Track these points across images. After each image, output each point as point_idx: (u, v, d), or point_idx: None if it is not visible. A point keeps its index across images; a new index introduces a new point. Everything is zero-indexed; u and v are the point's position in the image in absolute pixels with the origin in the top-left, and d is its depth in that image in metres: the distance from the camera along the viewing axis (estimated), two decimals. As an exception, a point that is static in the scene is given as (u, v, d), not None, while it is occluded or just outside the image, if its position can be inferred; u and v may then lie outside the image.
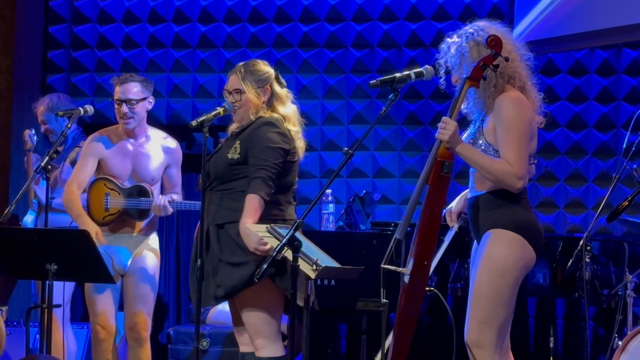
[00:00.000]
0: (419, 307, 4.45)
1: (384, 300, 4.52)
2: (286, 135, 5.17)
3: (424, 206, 4.41)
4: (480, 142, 4.51)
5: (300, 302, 4.86)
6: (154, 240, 6.08)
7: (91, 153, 5.96)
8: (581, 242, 6.03)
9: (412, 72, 4.70)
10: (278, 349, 5.15)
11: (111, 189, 5.93)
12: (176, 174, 6.07)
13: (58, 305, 5.53)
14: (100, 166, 5.98)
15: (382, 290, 4.54)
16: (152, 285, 6.01)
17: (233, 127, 5.37)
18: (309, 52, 8.54)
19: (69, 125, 5.85)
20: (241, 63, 5.37)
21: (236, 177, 5.16)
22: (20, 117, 8.44)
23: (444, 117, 4.42)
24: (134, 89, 5.93)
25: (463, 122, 4.63)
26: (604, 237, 7.46)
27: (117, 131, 6.03)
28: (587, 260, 6.14)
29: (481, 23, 4.63)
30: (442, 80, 4.75)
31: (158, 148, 6.03)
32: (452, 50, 4.63)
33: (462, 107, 4.61)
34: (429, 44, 8.39)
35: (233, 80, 5.29)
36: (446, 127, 4.39)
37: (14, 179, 8.53)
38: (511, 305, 4.52)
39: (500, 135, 4.44)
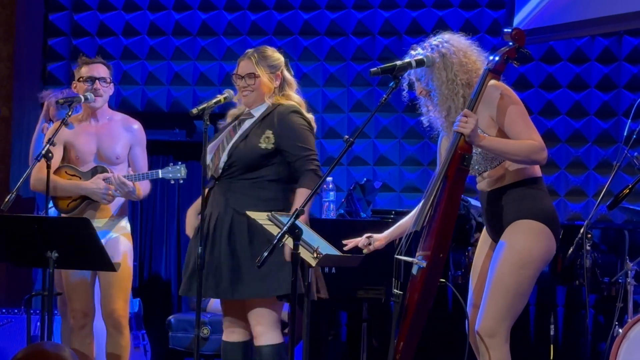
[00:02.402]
0: (433, 298, 4.45)
1: (398, 291, 4.51)
2: (311, 122, 5.29)
3: (441, 199, 4.40)
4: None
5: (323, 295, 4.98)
6: (124, 224, 6.06)
7: (57, 139, 5.96)
8: (582, 230, 6.03)
9: (413, 60, 4.70)
10: (277, 337, 5.19)
11: (72, 175, 5.94)
12: (141, 155, 6.05)
13: (59, 293, 5.53)
14: (66, 151, 5.99)
15: (394, 281, 4.53)
16: (128, 270, 6.00)
17: (235, 112, 5.38)
18: (310, 39, 8.54)
19: (70, 113, 5.86)
20: (252, 49, 5.39)
21: (265, 165, 5.19)
22: (21, 105, 8.44)
23: (465, 110, 4.41)
24: (104, 69, 6.04)
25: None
26: (604, 224, 7.46)
27: (78, 117, 6.08)
28: (588, 248, 6.14)
29: (446, 35, 4.72)
30: (405, 92, 4.78)
31: (120, 127, 6.06)
32: (419, 57, 4.68)
33: (432, 114, 4.67)
34: (430, 32, 8.35)
35: (246, 65, 5.30)
36: (468, 121, 4.38)
37: (14, 166, 8.53)
38: (528, 297, 4.57)
39: (507, 121, 4.47)
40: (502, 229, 4.55)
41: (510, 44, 4.54)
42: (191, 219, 5.35)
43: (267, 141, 5.18)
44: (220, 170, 5.21)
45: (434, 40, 4.69)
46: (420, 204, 4.56)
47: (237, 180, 5.20)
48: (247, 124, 5.29)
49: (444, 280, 4.52)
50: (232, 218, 5.16)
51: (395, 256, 4.53)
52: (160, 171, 5.96)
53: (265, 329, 5.17)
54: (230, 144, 5.23)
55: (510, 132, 4.47)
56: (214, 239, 5.18)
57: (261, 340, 5.17)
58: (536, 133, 4.47)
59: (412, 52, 4.71)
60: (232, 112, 5.41)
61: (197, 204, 5.31)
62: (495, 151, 4.48)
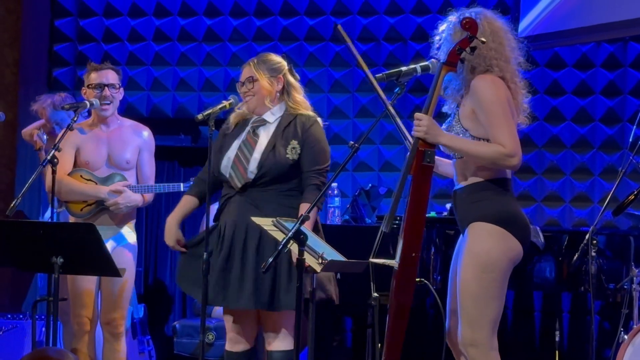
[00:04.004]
0: (411, 298, 4.37)
1: (375, 294, 4.49)
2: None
3: (408, 198, 4.36)
4: (457, 128, 4.45)
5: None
6: (131, 233, 6.07)
7: (68, 144, 5.96)
8: (587, 236, 6.01)
9: (418, 66, 4.68)
10: (289, 343, 5.20)
11: (88, 180, 5.95)
12: (148, 162, 6.07)
13: (65, 299, 5.53)
14: (76, 156, 6.00)
15: (372, 284, 4.51)
16: (130, 280, 6.01)
17: (238, 118, 5.37)
18: (315, 45, 8.54)
19: (75, 118, 5.86)
20: (254, 57, 5.43)
21: (295, 177, 5.22)
22: (27, 110, 8.42)
23: (416, 114, 4.35)
24: (113, 75, 6.03)
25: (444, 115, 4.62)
26: (609, 231, 7.45)
27: (89, 122, 6.08)
28: (593, 254, 6.13)
29: (489, 13, 4.54)
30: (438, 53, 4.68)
31: (130, 133, 6.07)
32: (443, 27, 4.58)
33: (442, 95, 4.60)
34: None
35: (246, 71, 5.32)
36: (420, 123, 4.32)
37: (20, 172, 8.54)
38: (501, 300, 4.41)
39: (484, 119, 4.36)
40: (463, 228, 4.51)
41: (466, 34, 4.38)
42: (173, 229, 5.33)
43: (293, 152, 5.21)
44: (244, 182, 5.21)
45: (475, 10, 4.50)
46: (390, 205, 4.53)
47: (267, 190, 5.22)
48: (264, 131, 5.29)
49: (423, 279, 4.48)
50: (262, 230, 5.16)
51: (370, 260, 4.50)
52: (182, 185, 6.01)
53: (279, 335, 5.19)
54: (259, 155, 5.22)
55: (487, 131, 4.41)
56: (241, 248, 5.17)
57: (274, 346, 5.19)
58: (509, 137, 4.32)
59: (449, 17, 4.59)
60: (235, 118, 5.39)
61: (178, 213, 5.33)
62: (457, 151, 4.41)
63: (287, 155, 5.18)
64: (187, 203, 5.37)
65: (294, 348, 4.62)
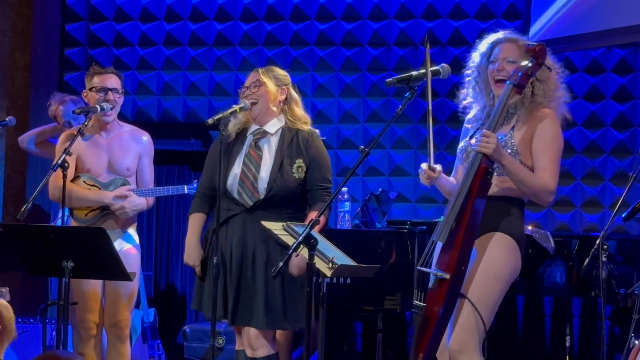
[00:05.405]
0: (453, 309, 4.44)
1: (420, 303, 4.48)
2: None
3: (464, 212, 4.39)
4: (508, 150, 4.51)
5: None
6: (133, 235, 6.06)
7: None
8: (598, 241, 5.99)
9: (429, 71, 4.68)
10: (273, 348, 5.31)
11: (91, 185, 5.94)
12: (148, 167, 6.06)
13: (75, 303, 5.54)
14: (77, 162, 5.96)
15: (416, 292, 4.52)
16: (136, 282, 6.00)
17: (239, 125, 5.36)
18: (325, 50, 8.54)
19: (86, 123, 5.86)
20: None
21: (301, 196, 5.31)
22: (38, 114, 8.46)
23: (485, 131, 4.42)
24: (116, 80, 6.00)
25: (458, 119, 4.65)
26: (620, 236, 7.42)
27: (88, 128, 5.98)
28: (604, 259, 6.11)
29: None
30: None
31: (129, 139, 6.05)
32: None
33: (479, 104, 4.65)
34: (446, 42, 8.38)
35: (252, 76, 5.35)
36: (489, 140, 4.39)
37: (30, 176, 8.55)
38: (494, 313, 4.54)
39: (541, 149, 4.51)
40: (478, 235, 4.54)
41: (532, 59, 4.52)
42: (197, 249, 5.35)
43: (299, 171, 5.25)
44: (255, 200, 5.22)
45: (534, 41, 4.69)
46: (444, 216, 4.53)
47: (274, 212, 5.23)
48: (266, 145, 5.30)
49: (462, 292, 4.51)
50: (270, 248, 5.19)
51: (418, 267, 4.52)
52: (185, 187, 6.01)
53: (265, 342, 5.25)
54: (266, 174, 5.23)
55: (535, 161, 4.49)
56: (251, 268, 5.21)
57: (260, 352, 5.25)
58: (556, 177, 4.52)
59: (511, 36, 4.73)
60: (234, 126, 5.38)
61: (196, 233, 5.34)
62: (511, 173, 4.47)
63: (294, 175, 5.21)
64: (198, 220, 5.38)
65: (305, 353, 4.61)
